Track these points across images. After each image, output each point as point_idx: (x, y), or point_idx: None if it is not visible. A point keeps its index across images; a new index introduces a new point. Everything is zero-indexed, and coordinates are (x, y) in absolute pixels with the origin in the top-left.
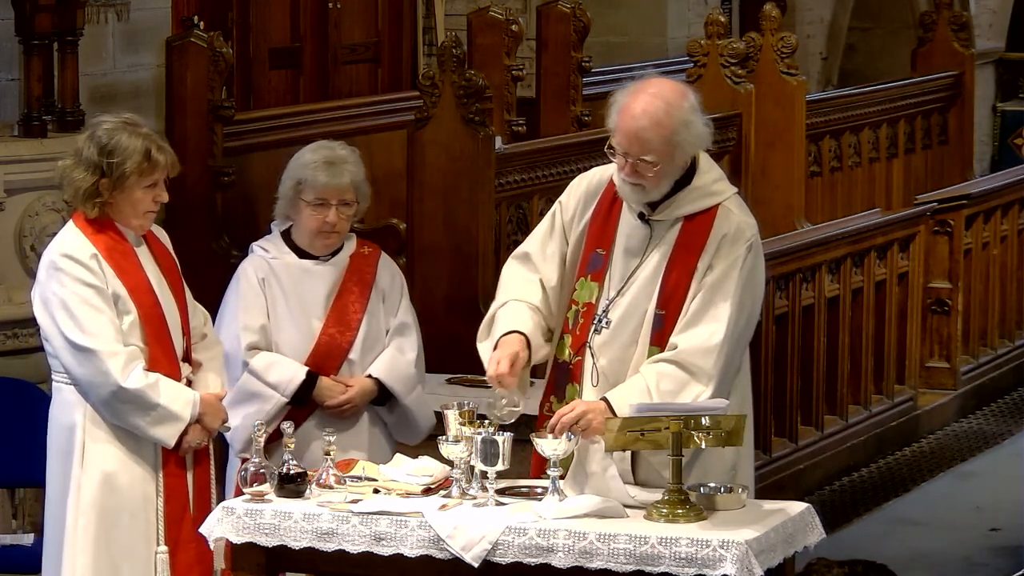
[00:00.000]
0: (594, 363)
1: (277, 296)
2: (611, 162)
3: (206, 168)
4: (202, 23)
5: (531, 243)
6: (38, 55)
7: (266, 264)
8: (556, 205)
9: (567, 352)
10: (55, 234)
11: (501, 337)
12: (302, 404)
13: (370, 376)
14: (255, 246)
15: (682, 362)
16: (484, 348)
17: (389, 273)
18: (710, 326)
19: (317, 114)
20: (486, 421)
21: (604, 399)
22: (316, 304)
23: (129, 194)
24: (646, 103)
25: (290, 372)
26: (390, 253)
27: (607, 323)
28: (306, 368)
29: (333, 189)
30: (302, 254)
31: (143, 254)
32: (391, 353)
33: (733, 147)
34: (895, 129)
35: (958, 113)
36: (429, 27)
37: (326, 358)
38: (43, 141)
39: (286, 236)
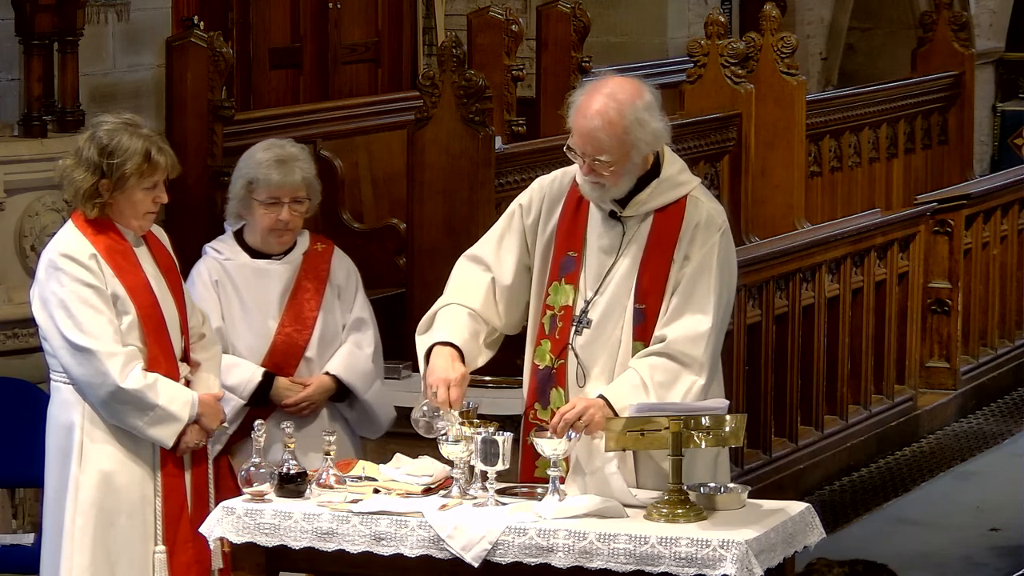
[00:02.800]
0: (578, 364)
1: (231, 297)
2: (573, 163)
3: (206, 168)
4: (202, 23)
5: (485, 242)
6: (38, 55)
7: (219, 265)
8: (515, 206)
9: (548, 357)
10: (55, 234)
11: (434, 345)
12: (261, 405)
13: (328, 373)
14: (208, 247)
15: (672, 353)
16: (421, 343)
17: (344, 268)
18: (695, 316)
19: (317, 114)
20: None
21: (601, 396)
22: (271, 304)
23: (129, 195)
24: (600, 104)
25: (247, 374)
26: (390, 253)
27: (588, 323)
28: (263, 369)
29: (286, 187)
30: (255, 254)
31: (142, 254)
32: (348, 349)
33: (733, 147)
34: (895, 129)
35: (958, 113)
36: (429, 27)
37: (284, 357)
38: (43, 141)
39: (239, 236)
